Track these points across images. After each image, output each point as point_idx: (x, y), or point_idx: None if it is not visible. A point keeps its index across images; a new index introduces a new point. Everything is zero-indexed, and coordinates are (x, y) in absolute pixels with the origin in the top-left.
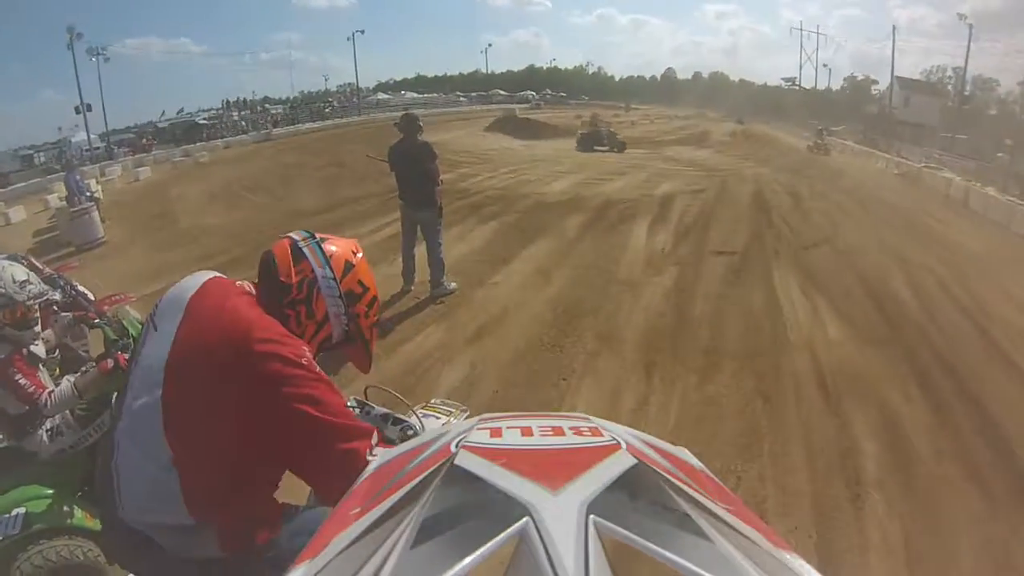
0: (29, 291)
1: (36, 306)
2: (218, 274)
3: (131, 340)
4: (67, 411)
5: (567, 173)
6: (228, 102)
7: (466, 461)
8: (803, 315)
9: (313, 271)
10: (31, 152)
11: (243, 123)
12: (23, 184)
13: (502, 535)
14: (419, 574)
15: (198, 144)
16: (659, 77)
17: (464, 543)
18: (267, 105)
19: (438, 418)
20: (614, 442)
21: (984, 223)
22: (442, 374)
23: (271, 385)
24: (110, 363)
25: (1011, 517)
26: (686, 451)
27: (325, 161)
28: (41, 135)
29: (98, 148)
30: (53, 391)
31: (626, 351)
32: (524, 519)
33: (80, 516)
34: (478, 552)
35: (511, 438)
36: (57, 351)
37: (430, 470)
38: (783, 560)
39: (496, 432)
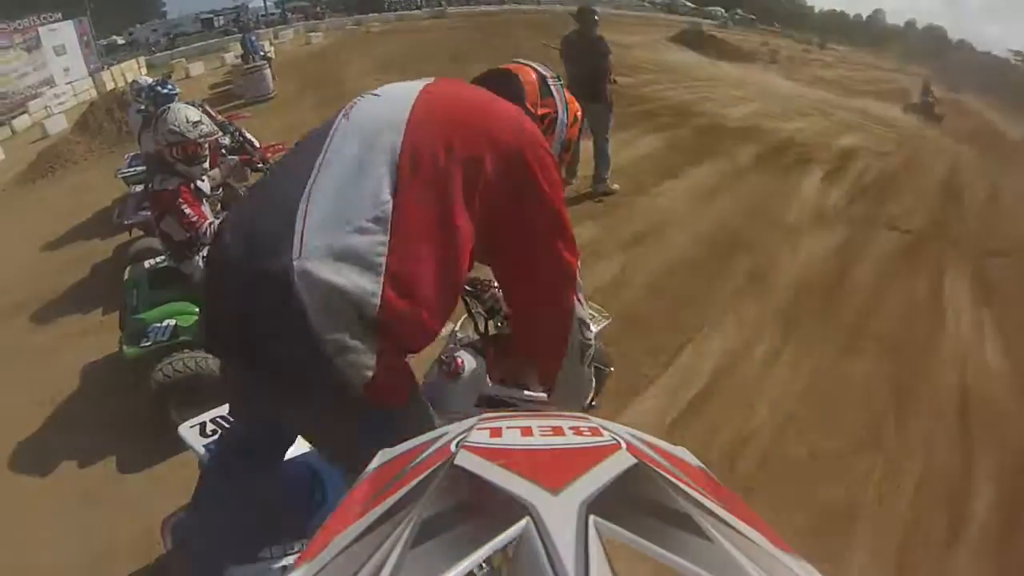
0: (200, 130)
1: (205, 145)
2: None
3: None
4: None
5: (748, 101)
6: None
7: (466, 461)
8: (966, 328)
9: (556, 111)
10: (211, 16)
11: None
12: (203, 43)
13: (502, 535)
14: (419, 574)
15: (370, 15)
16: (865, 17)
17: (464, 543)
18: None
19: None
20: (614, 442)
21: None
22: (593, 270)
23: (533, 167)
24: None
25: None
26: (686, 451)
27: (497, 42)
28: (221, 1)
29: (273, 14)
30: (213, 222)
31: (773, 299)
32: (524, 519)
33: None
34: (478, 552)
35: (511, 438)
36: (221, 189)
37: (430, 470)
38: (784, 560)
39: (496, 432)
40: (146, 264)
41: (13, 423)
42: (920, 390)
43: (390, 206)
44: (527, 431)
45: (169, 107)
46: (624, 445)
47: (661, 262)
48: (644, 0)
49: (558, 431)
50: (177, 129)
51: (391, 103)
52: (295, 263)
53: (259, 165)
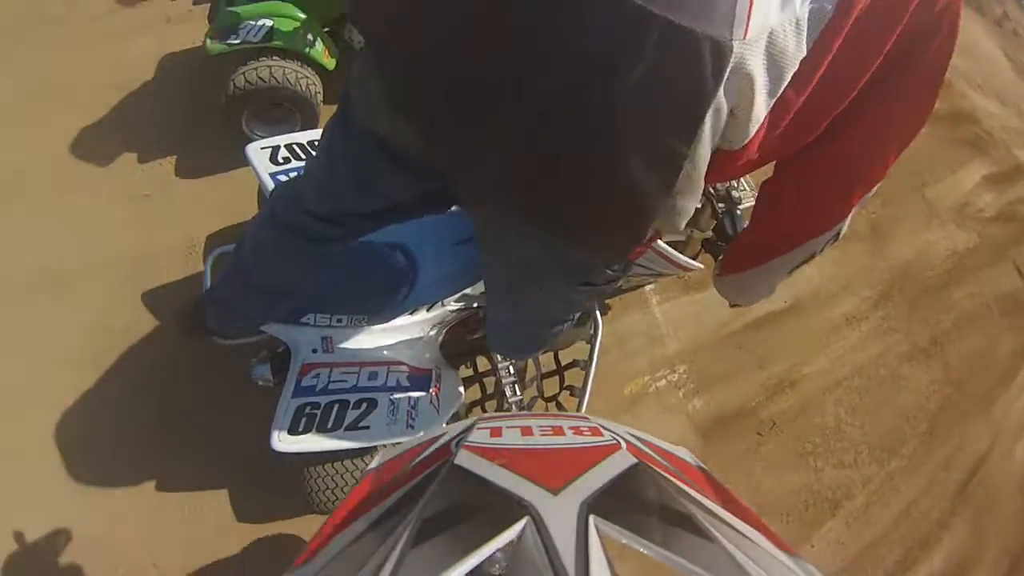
0: None
1: None
2: None
3: None
4: None
5: None
6: None
7: (466, 461)
8: (1020, 409)
9: None
10: None
11: None
12: None
13: (502, 535)
14: (419, 574)
15: None
16: None
17: (464, 543)
18: None
19: None
20: (614, 442)
21: None
22: None
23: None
24: None
25: None
26: (686, 451)
27: None
28: None
29: None
30: None
31: (882, 260)
32: (524, 519)
33: (319, 49)
34: (478, 552)
35: (511, 437)
36: None
37: (430, 470)
38: (784, 560)
39: (496, 432)
40: None
41: (79, 103)
42: (949, 436)
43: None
44: (527, 431)
45: None
46: (624, 445)
47: None
48: None
49: (558, 431)
50: None
51: None
52: (736, 44)
53: None
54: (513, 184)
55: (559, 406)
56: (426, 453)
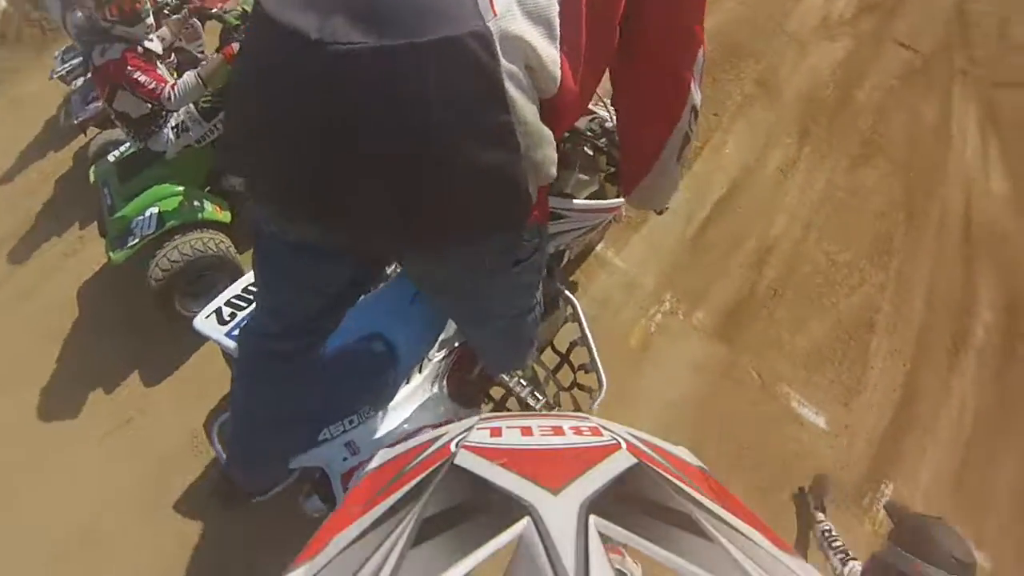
0: None
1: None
2: None
3: None
4: (191, 105)
5: None
6: None
7: (466, 461)
8: (971, 153)
9: None
10: None
11: None
12: None
13: (502, 535)
14: (419, 574)
15: None
16: None
17: (464, 543)
18: None
19: None
20: (614, 442)
21: None
22: None
23: None
24: (235, 47)
25: None
26: (686, 451)
27: None
28: None
29: None
30: (176, 83)
31: (782, 107)
32: (524, 519)
33: (210, 210)
34: (478, 552)
35: (511, 437)
36: (173, 56)
37: (430, 470)
38: (784, 560)
39: (496, 431)
40: (110, 158)
41: (24, 367)
42: (928, 209)
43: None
44: (527, 431)
45: None
46: (624, 445)
47: None
48: None
49: (558, 431)
50: None
51: None
52: (491, 23)
53: (213, 9)
54: (397, 231)
55: (581, 388)
56: (426, 453)
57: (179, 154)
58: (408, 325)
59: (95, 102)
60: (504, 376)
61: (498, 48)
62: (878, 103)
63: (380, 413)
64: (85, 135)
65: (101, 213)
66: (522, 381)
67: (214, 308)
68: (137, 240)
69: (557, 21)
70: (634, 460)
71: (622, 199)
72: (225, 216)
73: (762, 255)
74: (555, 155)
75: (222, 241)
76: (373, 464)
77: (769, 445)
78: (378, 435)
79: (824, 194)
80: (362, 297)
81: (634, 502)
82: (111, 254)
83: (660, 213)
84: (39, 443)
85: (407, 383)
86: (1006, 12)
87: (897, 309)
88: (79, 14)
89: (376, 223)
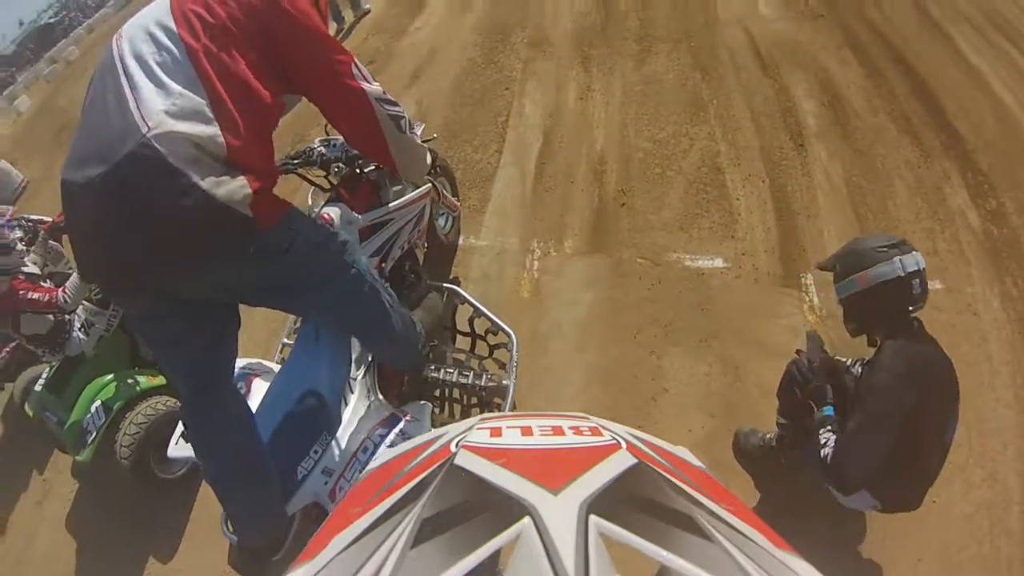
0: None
1: (8, 233)
2: None
3: None
4: (85, 302)
5: None
6: None
7: (466, 461)
8: None
9: None
10: None
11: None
12: None
13: (502, 535)
14: (419, 574)
15: (59, 45)
16: None
17: (464, 543)
18: None
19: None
20: (614, 442)
21: None
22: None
23: (282, 4)
24: None
25: (942, 164)
26: (686, 451)
27: None
28: None
29: None
30: (64, 287)
31: (560, 52)
32: (524, 519)
33: (144, 380)
34: (478, 552)
35: (511, 438)
36: (49, 281)
37: (430, 470)
38: (784, 560)
39: (496, 432)
40: (37, 388)
41: None
42: (717, 56)
43: (192, 73)
44: (527, 431)
45: None
46: (624, 445)
47: (449, 80)
48: None
49: (558, 431)
50: None
51: (150, 5)
52: (149, 135)
53: (62, 224)
54: (167, 266)
55: (497, 348)
56: (426, 453)
57: (96, 347)
58: (323, 358)
59: None
60: (430, 370)
61: (156, 145)
62: (637, 2)
63: (336, 436)
64: (2, 388)
65: (52, 434)
66: (448, 369)
67: (179, 433)
68: (94, 434)
69: (210, 113)
70: (634, 460)
71: (426, 186)
72: (160, 381)
73: (597, 170)
74: (242, 183)
75: (168, 400)
76: (373, 464)
77: (688, 306)
78: (344, 451)
79: (625, 96)
80: (284, 364)
81: (634, 502)
82: (78, 458)
83: (429, 175)
84: None
85: (346, 405)
86: None
87: (732, 144)
88: None
89: (161, 269)
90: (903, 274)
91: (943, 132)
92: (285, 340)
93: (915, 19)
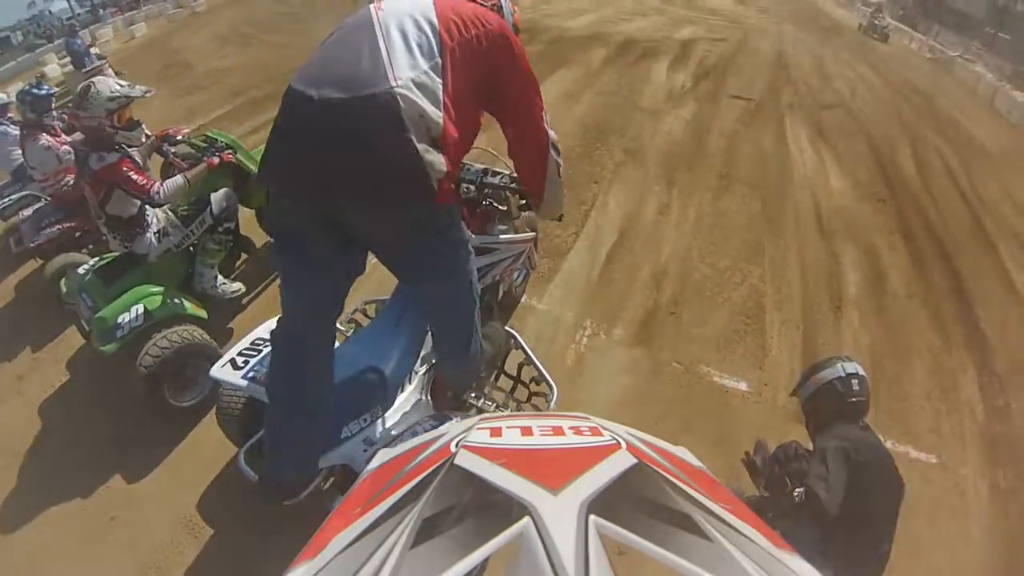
0: (139, 89)
1: (131, 107)
2: None
3: (224, 145)
4: (171, 212)
5: (586, 11)
6: None
7: (466, 461)
8: (809, 162)
9: (500, 2)
10: (6, 34)
11: None
12: (13, 64)
13: (502, 535)
14: (419, 574)
15: None
16: None
17: (464, 543)
18: None
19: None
20: (614, 442)
21: (1005, 125)
22: None
23: (509, 39)
24: (216, 160)
25: (962, 356)
26: (686, 451)
27: None
28: (11, 15)
29: (78, 15)
30: (164, 183)
31: (649, 166)
32: (524, 519)
33: (190, 306)
34: (478, 552)
35: (511, 438)
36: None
37: (430, 470)
38: (783, 560)
39: (496, 432)
40: (81, 270)
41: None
42: (784, 210)
43: (439, 62)
44: (527, 431)
45: (92, 81)
46: (624, 445)
47: None
48: None
49: (558, 431)
50: (117, 93)
51: None
52: (395, 89)
53: (178, 136)
54: (354, 196)
55: (536, 395)
56: (426, 453)
57: (159, 258)
58: (396, 346)
59: (48, 228)
60: (471, 396)
61: (399, 99)
62: (726, 145)
63: (385, 414)
64: (36, 261)
65: (79, 316)
66: (488, 401)
67: (228, 359)
68: (127, 332)
69: (441, 98)
70: (634, 460)
71: (532, 233)
72: (203, 312)
73: (658, 277)
74: (441, 161)
75: (203, 334)
76: (373, 464)
77: (707, 412)
78: (388, 430)
79: (696, 223)
80: (361, 330)
81: (634, 502)
82: (100, 347)
83: (559, 220)
84: (34, 547)
85: (402, 391)
86: (818, 51)
87: (779, 290)
88: (83, 121)
89: (344, 192)
90: (843, 374)
91: (969, 329)
92: (355, 311)
93: (968, 224)
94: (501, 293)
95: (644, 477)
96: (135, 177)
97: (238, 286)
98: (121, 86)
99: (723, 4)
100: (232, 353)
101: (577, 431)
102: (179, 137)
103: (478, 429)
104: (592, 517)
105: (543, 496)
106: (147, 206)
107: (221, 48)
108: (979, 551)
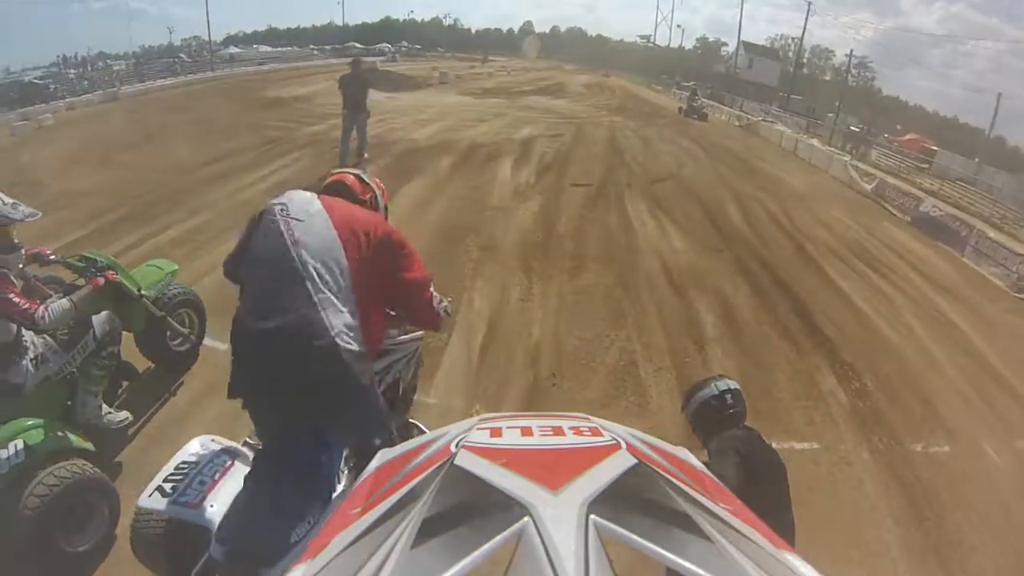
0: (21, 211)
1: (13, 228)
2: (306, 191)
3: (105, 265)
4: (50, 337)
5: (431, 121)
6: (64, 57)
7: (466, 461)
8: (652, 231)
9: (374, 193)
10: None
11: (84, 81)
12: None
13: (502, 535)
14: (419, 574)
15: (37, 107)
16: (516, 30)
17: (464, 543)
18: (107, 61)
19: None
20: (614, 442)
21: (807, 168)
22: None
23: (398, 250)
24: (101, 280)
25: (814, 358)
26: (686, 451)
27: (189, 117)
28: None
29: None
30: (49, 307)
31: (506, 259)
32: (524, 519)
33: (75, 439)
34: (478, 552)
35: (511, 438)
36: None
37: (430, 470)
38: (783, 560)
39: (496, 432)
40: None
41: None
42: (637, 277)
43: (354, 298)
44: (527, 431)
45: None
46: (624, 445)
47: None
48: (314, 48)
49: (558, 431)
50: None
51: (317, 225)
52: (335, 339)
53: (50, 257)
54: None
55: None
56: (426, 453)
57: (37, 387)
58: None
59: None
60: None
61: (339, 352)
62: (574, 229)
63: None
64: None
65: None
66: None
67: (155, 487)
68: (5, 471)
69: (360, 330)
70: (634, 460)
71: (419, 332)
72: (90, 444)
73: (533, 355)
74: (368, 368)
75: (91, 468)
76: (373, 464)
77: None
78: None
79: (559, 302)
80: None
81: (634, 502)
82: None
83: (438, 330)
84: None
85: (340, 484)
86: (645, 133)
87: (646, 345)
88: None
89: (301, 407)
90: (717, 392)
91: (814, 335)
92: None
93: (793, 252)
94: (401, 389)
95: (644, 477)
96: (17, 300)
97: (124, 415)
98: (8, 204)
99: (557, 103)
100: (158, 480)
101: (577, 431)
102: (51, 257)
103: (478, 429)
104: (592, 517)
105: (543, 496)
106: (23, 330)
107: (74, 168)
108: (878, 501)
